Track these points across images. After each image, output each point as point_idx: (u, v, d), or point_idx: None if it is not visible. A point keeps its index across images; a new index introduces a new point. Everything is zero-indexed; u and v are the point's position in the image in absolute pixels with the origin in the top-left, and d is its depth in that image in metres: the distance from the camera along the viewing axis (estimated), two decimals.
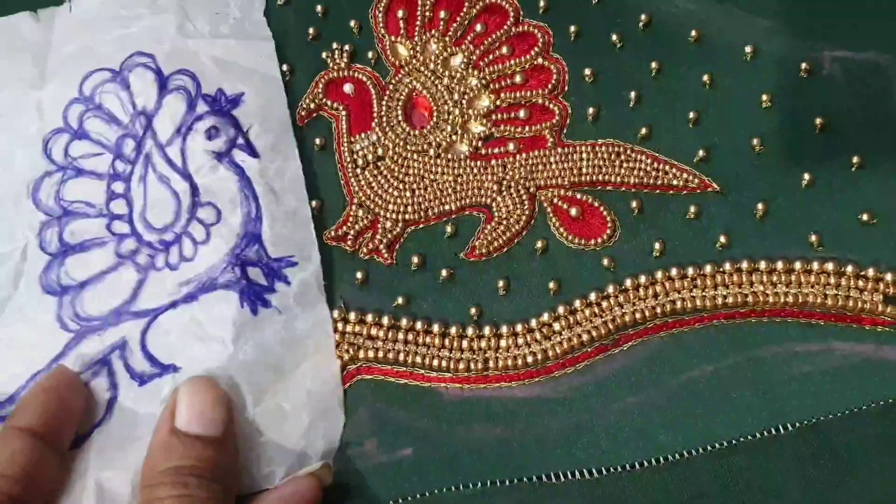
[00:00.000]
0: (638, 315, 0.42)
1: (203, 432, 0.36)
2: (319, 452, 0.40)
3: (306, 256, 0.43)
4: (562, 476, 0.39)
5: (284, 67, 0.47)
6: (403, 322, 0.42)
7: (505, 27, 0.47)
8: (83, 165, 0.44)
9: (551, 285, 0.42)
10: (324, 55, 0.47)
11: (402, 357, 0.42)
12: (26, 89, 0.45)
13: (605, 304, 0.42)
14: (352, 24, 0.48)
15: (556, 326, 0.42)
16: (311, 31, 0.48)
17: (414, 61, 0.47)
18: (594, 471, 0.39)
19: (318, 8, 0.48)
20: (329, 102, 0.46)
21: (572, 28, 0.47)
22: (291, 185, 0.44)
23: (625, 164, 0.44)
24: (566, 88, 0.46)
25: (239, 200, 0.43)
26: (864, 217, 0.42)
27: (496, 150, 0.45)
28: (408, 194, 0.44)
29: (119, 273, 0.42)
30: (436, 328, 0.42)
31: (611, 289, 0.42)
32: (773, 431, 0.40)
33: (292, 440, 0.40)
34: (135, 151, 0.44)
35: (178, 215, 0.43)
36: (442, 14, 0.47)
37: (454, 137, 0.45)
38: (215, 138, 0.44)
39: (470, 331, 0.42)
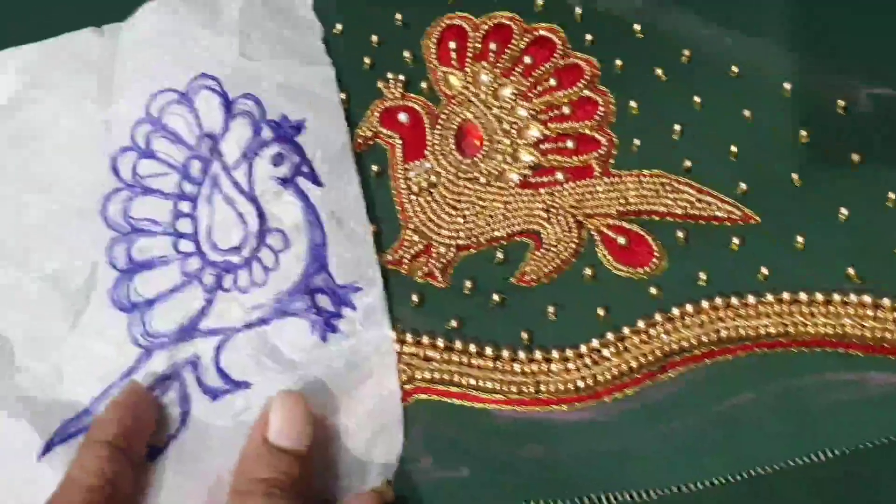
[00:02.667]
0: (684, 343, 0.43)
1: (291, 446, 0.38)
2: (380, 469, 0.41)
3: (370, 280, 0.44)
4: (611, 497, 0.41)
5: (342, 96, 0.48)
6: (457, 344, 0.44)
7: (553, 59, 0.49)
8: (150, 184, 0.46)
9: (600, 312, 0.44)
10: (379, 84, 0.49)
11: (456, 378, 0.43)
12: (94, 108, 0.47)
13: (652, 331, 0.43)
14: (405, 54, 0.49)
15: (606, 352, 0.43)
16: (366, 60, 0.49)
17: (465, 91, 0.48)
18: (642, 493, 0.41)
19: (374, 38, 0.49)
20: (384, 131, 0.48)
21: (618, 61, 0.48)
22: (353, 210, 0.46)
23: (670, 195, 0.46)
24: (613, 120, 0.48)
25: (304, 227, 0.45)
26: None
27: (545, 179, 0.46)
28: (460, 220, 0.46)
29: (186, 292, 0.44)
30: (488, 351, 0.43)
31: (658, 316, 0.44)
32: (810, 458, 0.41)
33: (354, 457, 0.42)
34: (202, 172, 0.46)
35: (246, 239, 0.44)
36: (492, 46, 0.49)
37: (504, 166, 0.47)
38: (280, 165, 0.45)
39: (522, 354, 0.43)
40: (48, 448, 0.41)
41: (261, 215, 0.45)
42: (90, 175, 0.46)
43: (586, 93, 0.48)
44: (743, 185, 0.45)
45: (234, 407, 0.42)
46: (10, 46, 0.49)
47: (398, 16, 0.50)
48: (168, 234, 0.45)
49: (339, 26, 0.50)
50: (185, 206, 0.45)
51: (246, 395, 0.42)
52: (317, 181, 0.45)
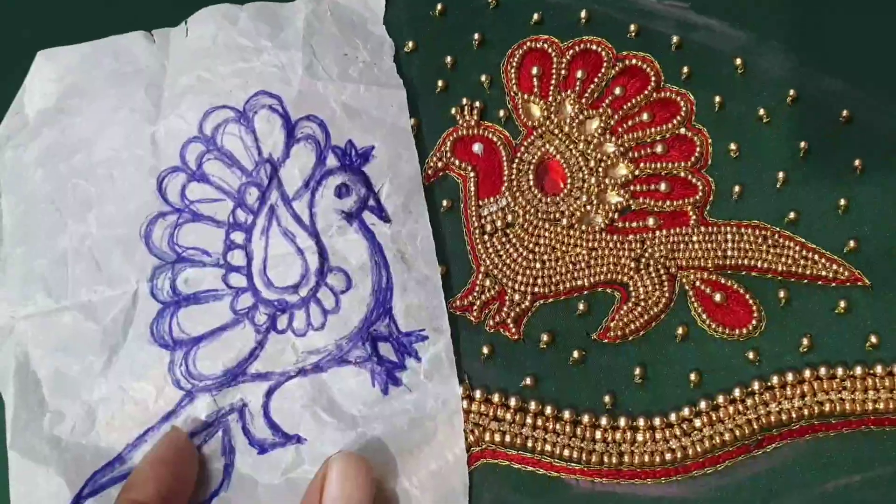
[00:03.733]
0: (784, 416, 0.39)
1: None
2: None
3: (437, 328, 0.40)
4: None
5: (412, 122, 0.44)
6: (532, 405, 0.40)
7: (645, 92, 0.44)
8: (201, 210, 0.42)
9: (692, 376, 0.40)
10: (452, 111, 0.45)
11: (529, 443, 0.39)
12: (140, 121, 0.43)
13: (749, 401, 0.39)
14: (482, 78, 0.45)
15: (697, 423, 0.39)
16: (439, 83, 0.45)
17: (547, 123, 0.44)
18: None
19: (448, 59, 0.45)
20: (457, 162, 0.43)
21: (717, 98, 0.44)
22: (422, 250, 0.42)
23: (772, 250, 0.41)
24: (709, 162, 0.43)
25: (369, 268, 0.41)
26: None
27: (634, 224, 0.42)
28: (538, 265, 0.42)
29: (236, 331, 0.40)
30: (566, 415, 0.39)
31: (756, 385, 0.39)
32: None
33: None
34: (258, 201, 0.42)
35: (306, 278, 0.41)
36: (579, 74, 0.44)
37: (589, 207, 0.42)
38: (345, 197, 0.41)
39: (604, 420, 0.39)
40: (77, 501, 0.36)
41: (322, 252, 0.41)
42: (134, 196, 0.42)
43: (681, 131, 0.43)
44: (852, 243, 0.41)
45: (284, 462, 0.38)
46: (48, 46, 0.45)
47: (476, 35, 0.45)
48: (219, 266, 0.40)
49: (410, 44, 0.45)
50: (238, 237, 0.41)
51: (298, 450, 0.38)
52: (384, 217, 0.41)
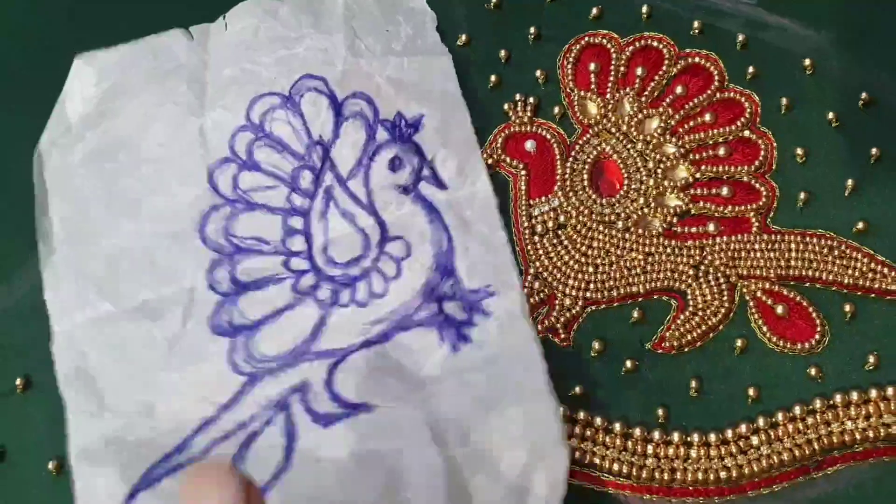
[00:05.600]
0: (847, 437, 0.37)
1: None
2: (542, 497, 0.35)
3: (506, 283, 0.39)
4: None
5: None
6: (580, 415, 0.38)
7: (708, 92, 0.42)
8: (255, 199, 0.40)
9: (750, 391, 0.38)
10: (505, 106, 0.43)
11: (577, 455, 0.37)
12: (185, 115, 0.42)
13: (810, 419, 0.37)
14: (537, 73, 0.43)
15: (755, 441, 0.37)
16: (492, 78, 0.43)
17: (604, 121, 0.42)
18: None
19: (502, 53, 0.43)
20: (508, 159, 0.42)
21: (784, 100, 0.42)
22: (482, 210, 0.40)
23: (838, 261, 0.39)
24: (774, 167, 0.41)
25: (429, 234, 0.40)
26: None
27: (694, 230, 0.40)
28: (590, 269, 0.40)
29: (298, 311, 0.39)
30: (617, 427, 0.38)
31: (818, 403, 0.37)
32: None
33: (508, 481, 0.35)
34: (313, 184, 0.40)
35: (367, 251, 0.40)
36: (638, 71, 0.42)
37: (646, 210, 0.40)
38: (400, 170, 0.40)
39: (656, 434, 0.37)
40: (133, 495, 0.35)
41: (382, 227, 0.40)
42: (185, 191, 0.41)
43: (745, 133, 0.41)
44: None
45: (351, 436, 0.36)
46: (87, 50, 0.44)
47: (532, 29, 0.44)
48: (278, 254, 0.40)
49: (463, 37, 0.44)
50: (296, 222, 0.40)
51: (366, 420, 0.36)
52: (440, 183, 0.40)
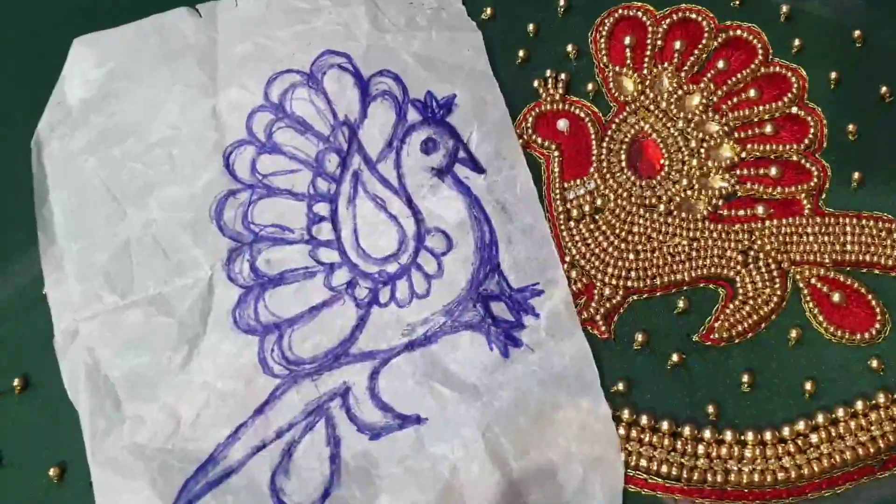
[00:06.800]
0: None
1: None
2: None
3: (551, 280, 0.37)
4: None
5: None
6: (624, 413, 0.35)
7: (752, 66, 0.39)
8: (276, 183, 0.38)
9: (807, 386, 0.35)
10: (535, 83, 0.40)
11: (622, 456, 0.34)
12: (196, 96, 0.39)
13: (873, 415, 0.35)
14: (569, 48, 0.41)
15: (814, 438, 0.34)
16: (521, 53, 0.41)
17: (642, 98, 0.39)
18: None
19: (530, 27, 0.41)
20: (539, 140, 0.39)
21: (833, 74, 0.39)
22: (523, 197, 0.38)
23: None
24: (825, 145, 0.38)
25: (469, 224, 0.37)
26: None
27: (741, 213, 0.37)
28: (631, 256, 0.37)
29: (334, 309, 0.36)
30: (664, 426, 0.35)
31: (881, 397, 0.35)
32: None
33: (566, 496, 0.33)
34: (339, 168, 0.38)
35: (404, 244, 0.37)
36: (677, 45, 0.40)
37: (689, 192, 0.38)
38: (433, 152, 0.38)
39: (707, 433, 0.34)
40: None
41: (416, 215, 0.37)
42: (198, 175, 0.38)
43: (793, 110, 0.38)
44: None
45: (403, 448, 0.34)
46: (86, 32, 0.41)
47: (561, 1, 0.41)
48: (304, 242, 0.37)
49: (488, 10, 0.41)
50: (322, 209, 0.37)
51: (418, 431, 0.34)
52: (478, 168, 0.38)
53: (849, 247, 0.37)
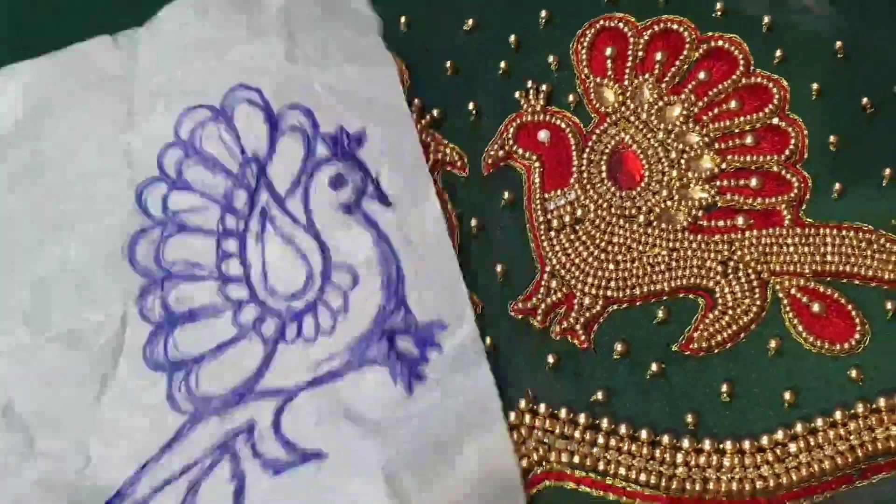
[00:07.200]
0: (892, 443, 0.35)
1: None
2: None
3: (458, 315, 0.36)
4: None
5: (470, 106, 0.40)
6: (604, 422, 0.35)
7: (733, 77, 0.40)
8: (186, 221, 0.38)
9: (787, 396, 0.35)
10: (516, 95, 0.40)
11: (601, 465, 0.35)
12: (113, 132, 0.39)
13: (852, 424, 0.35)
14: (550, 59, 0.41)
15: (793, 448, 0.34)
16: (502, 65, 0.41)
17: (622, 109, 0.40)
18: None
19: (511, 38, 0.41)
20: (520, 150, 0.39)
21: (814, 85, 0.39)
22: (432, 232, 0.38)
23: (877, 255, 0.37)
24: (806, 156, 0.38)
25: (376, 260, 0.37)
26: None
27: (721, 223, 0.37)
28: (611, 266, 0.37)
29: (241, 346, 0.36)
30: (643, 434, 0.35)
31: (860, 407, 0.35)
32: None
33: None
34: (248, 205, 0.38)
35: (310, 280, 0.37)
36: (658, 56, 0.40)
37: (670, 203, 0.38)
38: (341, 188, 0.38)
39: (686, 442, 0.35)
40: None
41: (324, 251, 0.37)
42: (113, 212, 0.38)
43: (774, 121, 0.39)
44: None
45: (303, 484, 0.34)
46: (5, 63, 0.41)
47: (543, 13, 0.41)
48: (213, 279, 0.37)
49: (469, 22, 0.41)
50: (230, 245, 0.38)
51: (318, 467, 0.34)
52: (386, 201, 0.38)
53: (829, 257, 0.37)
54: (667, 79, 0.40)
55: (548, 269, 0.38)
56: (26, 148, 0.39)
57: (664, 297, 0.37)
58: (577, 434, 0.36)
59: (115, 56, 0.41)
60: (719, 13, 0.41)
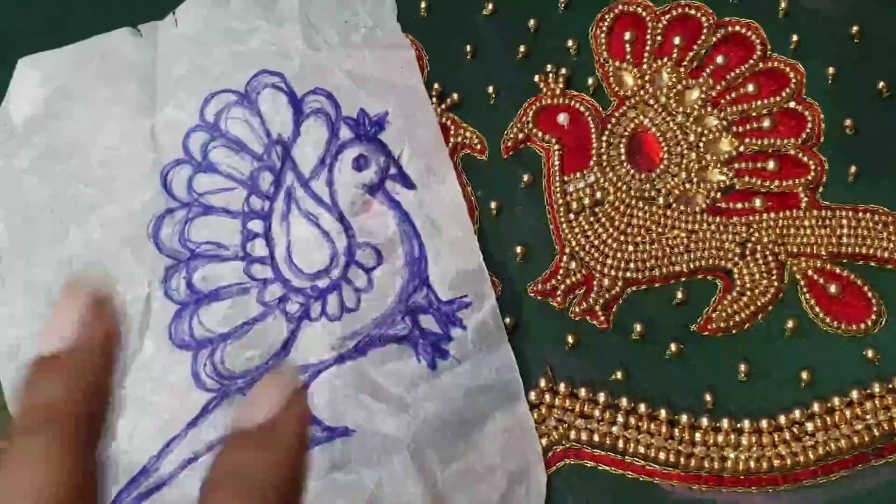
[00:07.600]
0: None
1: None
2: None
3: (480, 293, 0.37)
4: None
5: (489, 89, 0.40)
6: (623, 402, 0.35)
7: (750, 61, 0.40)
8: (211, 202, 0.38)
9: (803, 375, 0.35)
10: (536, 78, 0.41)
11: (620, 444, 0.35)
12: (135, 116, 0.40)
13: (868, 404, 0.35)
14: (569, 43, 0.41)
15: (809, 427, 0.35)
16: (521, 49, 0.41)
17: (641, 92, 0.40)
18: None
19: (531, 22, 0.41)
20: (540, 133, 0.39)
21: (830, 69, 0.40)
22: (452, 212, 0.38)
23: (893, 238, 0.37)
24: (822, 139, 0.39)
25: (399, 239, 0.38)
26: None
27: (739, 206, 0.38)
28: (630, 248, 0.37)
29: (266, 324, 0.37)
30: (662, 413, 0.35)
31: (876, 387, 0.35)
32: None
33: None
34: (273, 186, 0.38)
35: (334, 259, 0.37)
36: (676, 40, 0.40)
37: (688, 185, 0.38)
38: (365, 169, 0.38)
39: (704, 421, 0.35)
40: None
41: (348, 230, 0.38)
42: (137, 194, 0.38)
43: (791, 104, 0.39)
44: None
45: (329, 460, 0.35)
46: (31, 52, 0.41)
47: None
48: (238, 259, 0.37)
49: (489, 6, 0.42)
50: (256, 226, 0.38)
51: (345, 443, 0.35)
52: (408, 183, 0.38)
53: (845, 239, 0.37)
54: (685, 63, 0.40)
55: (567, 250, 0.38)
56: (50, 133, 0.40)
57: (683, 279, 0.38)
58: (596, 413, 0.36)
59: (136, 45, 0.41)
60: None
